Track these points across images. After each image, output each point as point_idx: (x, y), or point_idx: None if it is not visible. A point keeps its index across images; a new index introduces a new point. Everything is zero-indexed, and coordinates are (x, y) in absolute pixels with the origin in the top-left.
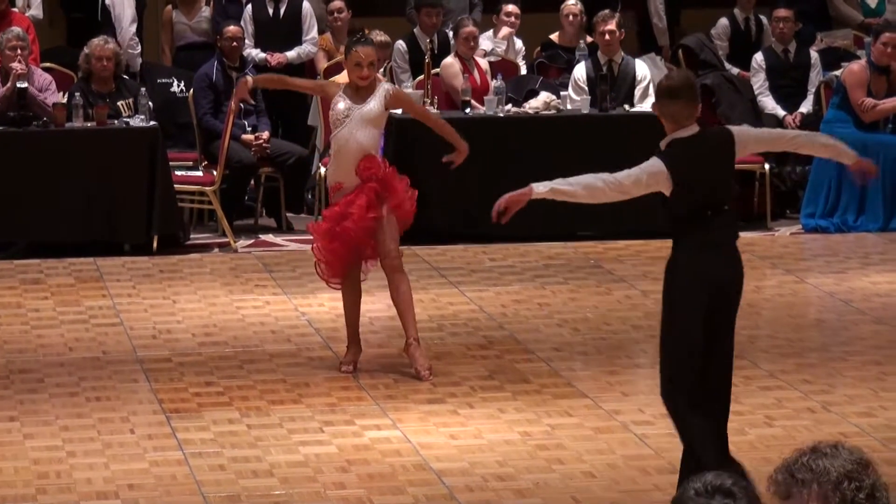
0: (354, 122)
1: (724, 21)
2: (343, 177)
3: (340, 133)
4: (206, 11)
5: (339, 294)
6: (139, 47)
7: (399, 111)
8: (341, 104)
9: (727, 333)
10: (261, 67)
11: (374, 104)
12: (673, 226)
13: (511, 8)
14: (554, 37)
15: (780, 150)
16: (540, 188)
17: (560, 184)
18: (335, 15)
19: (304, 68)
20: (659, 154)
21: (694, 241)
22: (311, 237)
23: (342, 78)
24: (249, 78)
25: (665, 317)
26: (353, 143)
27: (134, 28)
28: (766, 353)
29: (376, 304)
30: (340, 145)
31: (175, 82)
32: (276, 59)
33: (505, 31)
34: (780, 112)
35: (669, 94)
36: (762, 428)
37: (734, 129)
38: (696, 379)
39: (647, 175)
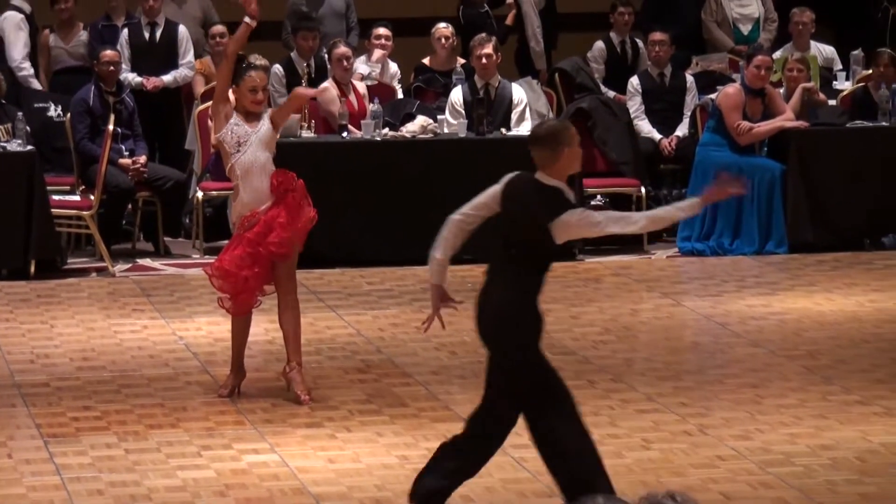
0: (255, 146)
1: (599, 44)
2: (257, 201)
3: (244, 157)
4: (82, 36)
5: (216, 318)
6: (31, 69)
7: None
8: (240, 129)
9: None
10: (137, 91)
11: (265, 127)
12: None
13: (381, 31)
14: (426, 60)
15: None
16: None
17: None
18: (217, 39)
19: (181, 92)
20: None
21: None
22: (209, 272)
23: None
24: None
25: None
26: (258, 164)
27: (26, 51)
28: (642, 375)
29: (253, 328)
30: (247, 168)
31: (52, 106)
32: (151, 82)
33: (377, 53)
34: (657, 136)
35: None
36: (639, 451)
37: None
38: None
39: None
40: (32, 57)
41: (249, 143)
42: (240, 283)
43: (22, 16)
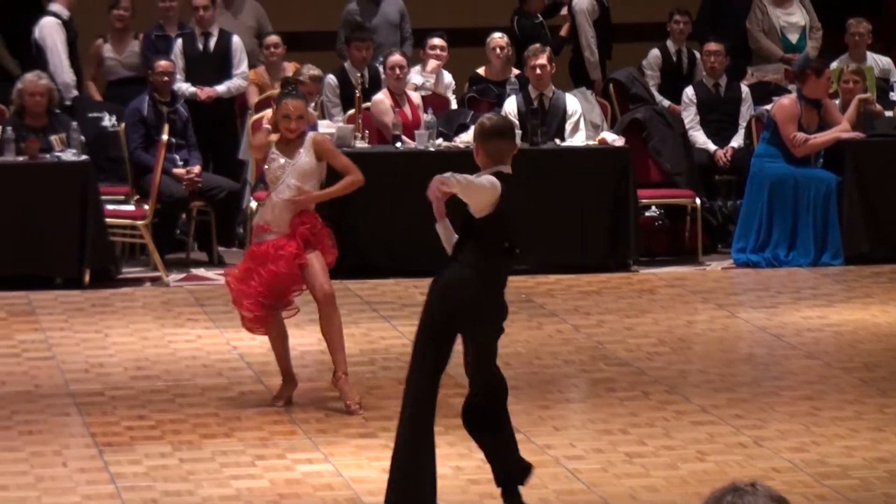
0: (289, 176)
1: (655, 52)
2: (272, 220)
3: (279, 187)
4: (135, 46)
5: None
6: (74, 78)
7: None
8: (277, 161)
9: None
10: (191, 102)
11: (304, 157)
12: None
13: (436, 41)
14: (481, 70)
15: None
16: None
17: None
18: (271, 49)
19: (235, 102)
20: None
21: None
22: (230, 283)
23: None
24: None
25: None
26: (287, 194)
27: (67, 61)
28: (697, 387)
29: (307, 339)
30: (277, 193)
31: (106, 116)
32: (206, 93)
33: (432, 64)
34: (711, 147)
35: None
36: (694, 463)
37: None
38: None
39: None
40: (75, 65)
41: (284, 175)
42: (241, 293)
43: (59, 21)
